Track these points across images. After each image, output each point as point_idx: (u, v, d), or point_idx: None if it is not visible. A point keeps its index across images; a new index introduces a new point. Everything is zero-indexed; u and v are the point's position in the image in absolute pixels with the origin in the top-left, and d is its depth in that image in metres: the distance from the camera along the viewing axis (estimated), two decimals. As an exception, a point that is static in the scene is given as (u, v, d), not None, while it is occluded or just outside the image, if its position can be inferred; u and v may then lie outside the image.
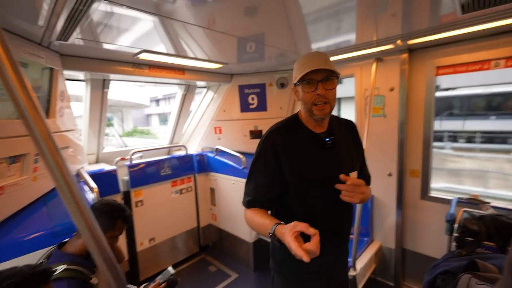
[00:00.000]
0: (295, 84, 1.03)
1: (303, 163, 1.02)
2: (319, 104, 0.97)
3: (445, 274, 1.21)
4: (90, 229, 0.49)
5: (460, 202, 1.81)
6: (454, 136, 12.24)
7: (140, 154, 2.87)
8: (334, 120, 1.13)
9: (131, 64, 2.10)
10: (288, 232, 0.79)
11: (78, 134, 2.08)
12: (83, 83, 2.32)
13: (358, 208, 2.03)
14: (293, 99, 3.01)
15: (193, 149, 3.40)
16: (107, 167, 2.36)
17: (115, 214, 1.27)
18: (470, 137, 11.75)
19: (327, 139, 1.03)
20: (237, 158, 2.75)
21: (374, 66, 2.19)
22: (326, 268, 1.11)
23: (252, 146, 3.11)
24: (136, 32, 1.51)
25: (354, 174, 1.07)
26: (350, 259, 2.01)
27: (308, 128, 1.06)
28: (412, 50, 2.15)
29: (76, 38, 1.45)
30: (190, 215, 3.06)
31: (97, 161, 2.72)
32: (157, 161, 2.70)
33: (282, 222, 0.89)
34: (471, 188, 7.58)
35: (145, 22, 1.38)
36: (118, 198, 2.32)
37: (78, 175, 1.92)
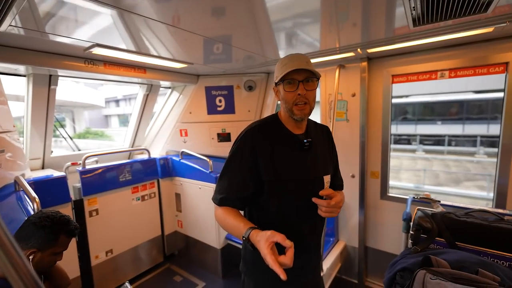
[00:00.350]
0: (276, 84, 1.04)
1: (281, 162, 1.01)
2: (300, 104, 0.98)
3: (403, 271, 1.27)
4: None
5: (415, 201, 1.94)
6: (408, 139, 13.49)
7: (95, 158, 2.62)
8: (311, 124, 1.15)
9: (83, 59, 1.90)
10: (264, 242, 0.77)
11: (17, 136, 1.82)
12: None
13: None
14: (262, 102, 3.01)
15: (157, 152, 3.21)
16: (55, 173, 2.10)
17: (57, 228, 1.14)
18: (421, 140, 13.05)
19: (305, 141, 1.04)
20: (204, 162, 2.65)
21: (337, 72, 2.29)
22: (299, 271, 1.09)
23: (220, 149, 3.04)
24: (91, 25, 1.36)
25: (328, 178, 1.10)
26: (316, 261, 2.04)
27: (287, 129, 1.07)
28: (371, 59, 2.29)
29: (10, 26, 1.25)
30: (154, 222, 2.88)
31: (43, 167, 2.42)
32: (115, 166, 2.48)
33: (256, 227, 0.86)
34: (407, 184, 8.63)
35: (102, 14, 1.25)
36: (68, 208, 2.08)
37: (17, 183, 1.67)
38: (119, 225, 2.51)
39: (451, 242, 1.38)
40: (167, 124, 3.19)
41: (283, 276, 0.70)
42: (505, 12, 1.35)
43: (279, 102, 1.07)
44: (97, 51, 1.68)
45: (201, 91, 2.95)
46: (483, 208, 1.60)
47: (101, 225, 2.36)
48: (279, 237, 0.77)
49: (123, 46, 1.74)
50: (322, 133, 1.18)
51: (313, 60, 2.28)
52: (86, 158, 2.31)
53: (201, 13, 1.31)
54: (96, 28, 1.41)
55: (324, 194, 0.97)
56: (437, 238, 1.42)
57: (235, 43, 1.81)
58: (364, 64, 2.26)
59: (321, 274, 2.02)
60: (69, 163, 2.42)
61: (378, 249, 2.48)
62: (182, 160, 2.86)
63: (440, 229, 1.42)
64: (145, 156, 2.90)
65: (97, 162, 2.66)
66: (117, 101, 20.00)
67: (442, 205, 1.78)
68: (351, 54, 2.09)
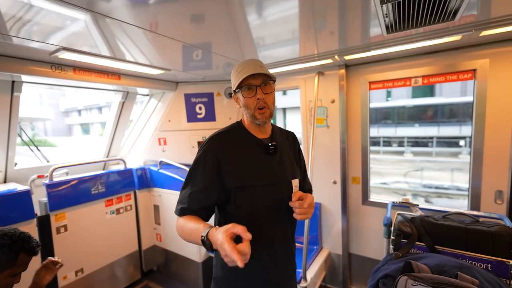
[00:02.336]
0: (235, 92, 1.03)
1: (246, 168, 0.99)
2: (260, 108, 0.99)
3: (386, 277, 1.24)
4: None
5: (395, 206, 1.95)
6: (388, 141, 14.03)
7: (65, 170, 2.45)
8: (276, 129, 1.15)
9: (50, 64, 1.78)
10: (223, 233, 0.73)
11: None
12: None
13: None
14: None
15: (134, 163, 3.06)
16: (19, 187, 1.93)
17: (16, 246, 1.05)
18: (400, 142, 13.58)
19: (270, 144, 1.03)
20: (184, 171, 2.55)
21: (316, 79, 2.31)
22: (272, 284, 1.04)
23: (201, 158, 2.94)
24: (60, 28, 1.27)
25: (296, 182, 1.08)
26: (300, 270, 1.99)
27: (251, 134, 1.06)
28: (349, 66, 2.34)
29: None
30: (130, 237, 2.71)
31: (5, 180, 2.22)
32: (86, 178, 2.33)
33: (217, 226, 0.82)
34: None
35: (73, 17, 1.17)
36: (32, 225, 1.90)
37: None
38: (91, 242, 2.34)
39: (430, 246, 1.38)
40: (145, 133, 3.07)
41: (240, 262, 0.66)
42: (470, 21, 1.41)
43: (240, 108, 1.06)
44: (64, 55, 1.58)
45: (180, 99, 2.87)
46: (459, 211, 1.63)
47: (70, 242, 2.18)
48: (240, 228, 0.74)
49: (95, 51, 1.65)
50: (288, 138, 1.18)
51: (292, 67, 2.29)
52: (54, 170, 2.14)
53: (180, 19, 1.29)
54: (65, 31, 1.33)
55: (296, 197, 0.95)
56: (417, 243, 1.42)
57: (215, 50, 1.78)
58: (342, 71, 2.30)
59: (305, 284, 1.97)
60: (34, 176, 2.24)
61: (362, 255, 2.46)
62: (160, 170, 2.74)
63: (419, 233, 1.42)
64: (121, 167, 2.76)
65: (67, 174, 2.48)
66: (79, 111, 21.46)
67: (421, 208, 1.80)
68: (329, 60, 2.12)
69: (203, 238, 0.81)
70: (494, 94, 1.82)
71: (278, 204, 1.00)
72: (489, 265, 1.25)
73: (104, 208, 2.46)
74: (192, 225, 0.90)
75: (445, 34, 1.60)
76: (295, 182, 1.07)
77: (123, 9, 1.13)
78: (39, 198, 2.11)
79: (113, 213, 2.53)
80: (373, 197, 2.40)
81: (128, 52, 1.75)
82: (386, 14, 1.28)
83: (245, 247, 0.70)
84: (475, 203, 1.94)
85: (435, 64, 2.00)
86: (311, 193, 1.24)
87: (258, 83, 0.97)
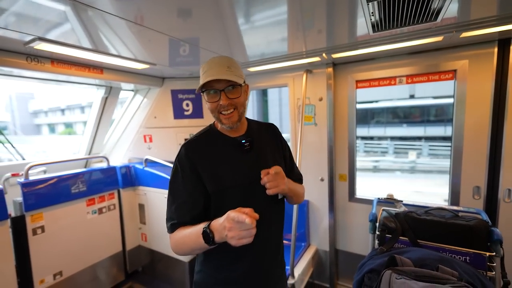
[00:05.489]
0: (200, 93, 0.96)
1: (221, 170, 0.95)
2: (225, 113, 0.92)
3: (371, 272, 1.27)
4: None
5: (380, 202, 2.00)
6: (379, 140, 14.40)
7: (42, 168, 2.33)
8: (253, 124, 1.10)
9: (25, 55, 1.68)
10: (229, 213, 0.76)
11: None
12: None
13: (294, 214, 2.06)
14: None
15: (118, 160, 2.97)
16: (-9, 186, 1.82)
17: None
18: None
19: (244, 141, 0.99)
20: (170, 169, 2.49)
21: (304, 77, 2.32)
22: (263, 279, 1.02)
23: (188, 155, 2.89)
24: (36, 16, 1.20)
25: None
26: (288, 267, 2.00)
27: (224, 134, 1.01)
28: (336, 64, 2.36)
29: None
30: (113, 237, 2.62)
31: (-24, 180, 2.09)
32: (66, 176, 2.22)
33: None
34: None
35: (51, 6, 1.10)
36: (5, 227, 1.80)
37: None
38: (71, 243, 2.24)
39: (413, 241, 1.41)
40: (130, 130, 2.98)
41: (249, 219, 0.70)
42: (451, 22, 1.46)
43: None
44: (40, 46, 1.49)
45: (167, 95, 2.81)
46: (440, 206, 1.68)
47: (48, 244, 2.08)
48: (246, 210, 0.75)
49: (75, 42, 1.57)
50: (267, 131, 1.13)
51: (280, 64, 2.29)
52: (30, 168, 2.03)
53: (166, 12, 1.25)
54: (42, 20, 1.25)
55: (264, 174, 0.91)
56: (401, 237, 1.45)
57: (203, 45, 1.75)
58: (330, 69, 2.32)
59: (293, 281, 1.98)
60: (8, 174, 2.11)
61: (348, 251, 2.51)
62: (146, 168, 2.67)
63: (403, 228, 1.46)
64: (104, 165, 2.66)
65: (45, 172, 2.37)
66: (45, 112, 23.31)
67: (405, 204, 1.85)
68: (317, 58, 2.13)
69: (205, 229, 0.80)
70: (473, 94, 1.89)
71: (260, 202, 0.95)
72: (468, 258, 1.30)
73: (86, 208, 2.36)
74: (190, 230, 0.87)
75: (428, 35, 1.64)
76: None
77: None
78: (14, 197, 1.99)
79: (95, 212, 2.44)
80: (359, 194, 2.45)
81: (111, 45, 1.68)
82: (372, 13, 1.30)
83: (248, 209, 0.74)
84: (455, 198, 2.02)
85: (418, 64, 2.06)
86: (301, 183, 1.22)
87: (222, 87, 0.89)
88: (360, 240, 2.43)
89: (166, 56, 1.99)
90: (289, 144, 2.58)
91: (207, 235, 0.79)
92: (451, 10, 1.29)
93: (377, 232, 1.55)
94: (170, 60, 2.11)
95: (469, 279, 1.10)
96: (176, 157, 0.98)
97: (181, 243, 0.90)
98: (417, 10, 1.28)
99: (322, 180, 2.47)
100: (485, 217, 1.52)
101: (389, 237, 1.49)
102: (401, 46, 1.84)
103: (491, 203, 1.89)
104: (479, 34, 1.64)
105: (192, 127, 2.86)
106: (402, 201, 1.88)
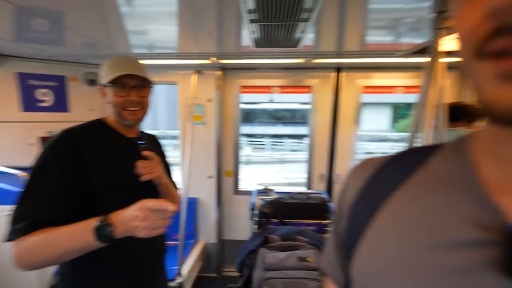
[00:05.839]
0: (103, 85, 0.91)
1: (112, 167, 0.89)
2: (132, 109, 0.92)
3: (250, 253, 1.50)
4: None
5: (259, 192, 2.34)
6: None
7: None
8: (142, 131, 1.11)
9: None
10: (142, 203, 0.69)
11: None
12: None
13: (183, 213, 2.08)
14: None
15: None
16: None
17: None
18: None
19: (139, 142, 0.98)
20: (14, 177, 1.90)
21: (194, 77, 2.37)
22: None
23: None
24: None
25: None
26: (176, 267, 2.00)
27: (118, 132, 0.97)
28: (225, 69, 2.55)
29: None
30: None
31: None
32: None
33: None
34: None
35: None
36: None
37: None
38: None
39: (281, 221, 1.77)
40: None
41: (173, 207, 0.69)
42: (308, 50, 1.91)
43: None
44: None
45: (9, 79, 2.12)
46: (300, 191, 2.17)
47: None
48: (156, 201, 0.70)
49: None
50: (153, 140, 1.17)
51: (170, 61, 2.23)
52: None
53: None
54: None
55: (146, 155, 0.95)
56: (272, 220, 1.79)
57: (69, 25, 1.45)
58: (219, 72, 2.48)
59: (181, 279, 2.01)
60: None
61: (234, 239, 2.77)
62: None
63: (274, 212, 1.80)
64: None
65: None
66: None
67: (276, 192, 2.26)
68: (206, 61, 2.23)
69: (102, 222, 0.68)
70: (321, 104, 2.54)
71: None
72: (315, 227, 1.78)
73: None
74: (64, 229, 0.71)
75: (294, 56, 2.07)
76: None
77: None
78: None
79: None
80: (242, 187, 2.75)
81: None
82: (253, 31, 1.52)
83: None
84: (310, 184, 2.65)
85: (289, 78, 2.55)
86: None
87: (135, 84, 0.90)
88: (244, 228, 2.73)
89: (8, 25, 1.50)
90: (178, 142, 2.57)
91: (104, 229, 0.68)
92: (306, 41, 1.70)
93: (256, 219, 1.83)
94: (17, 34, 1.62)
95: (315, 243, 1.52)
96: (54, 141, 0.81)
97: (43, 247, 0.71)
98: (286, 36, 1.60)
99: (210, 177, 2.60)
100: (326, 196, 2.09)
101: (264, 221, 1.79)
102: (277, 62, 2.22)
103: (330, 185, 2.62)
104: (324, 62, 2.23)
105: (52, 123, 2.30)
106: (273, 190, 2.29)
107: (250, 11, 1.24)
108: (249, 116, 16.30)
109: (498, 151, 0.28)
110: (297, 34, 1.57)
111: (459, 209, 0.29)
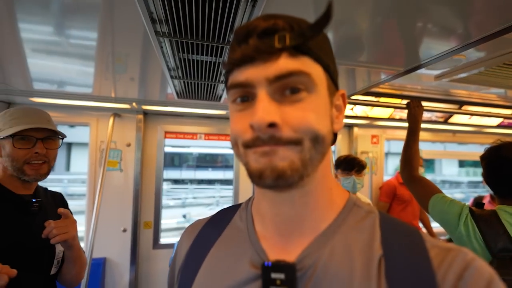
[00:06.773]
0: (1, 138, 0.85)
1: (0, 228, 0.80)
2: (35, 162, 0.86)
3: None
4: None
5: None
6: (190, 181, 15.34)
7: None
8: (41, 188, 1.02)
9: None
10: None
11: None
12: None
13: (84, 280, 1.72)
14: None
15: None
16: None
17: None
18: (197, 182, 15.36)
19: (34, 200, 0.89)
20: None
21: (111, 120, 2.21)
22: None
23: None
24: None
25: (60, 247, 0.95)
26: None
27: (8, 189, 0.87)
28: (147, 113, 2.48)
29: None
30: None
31: None
32: None
33: None
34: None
35: None
36: None
37: None
38: None
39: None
40: None
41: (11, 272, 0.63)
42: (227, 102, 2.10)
43: None
44: None
45: None
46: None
47: None
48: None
49: None
50: (54, 200, 1.05)
51: (84, 103, 2.05)
52: None
53: None
54: None
55: (61, 212, 0.86)
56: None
57: None
58: (141, 116, 2.37)
59: None
60: None
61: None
62: None
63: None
64: None
65: None
66: None
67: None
68: (127, 106, 2.14)
69: None
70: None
71: (39, 272, 0.84)
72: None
73: None
74: None
75: (217, 108, 2.23)
76: (60, 247, 0.92)
77: None
78: None
79: None
80: (163, 240, 2.51)
81: None
82: (174, 85, 1.60)
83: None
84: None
85: (213, 126, 2.66)
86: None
87: (42, 136, 0.87)
88: (164, 286, 2.42)
89: None
90: (86, 190, 2.22)
91: None
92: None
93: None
94: None
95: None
96: None
97: None
98: (207, 93, 1.74)
99: (124, 231, 2.29)
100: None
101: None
102: (200, 112, 2.33)
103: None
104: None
105: None
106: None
107: (169, 69, 1.32)
108: (174, 160, 15.57)
109: (259, 208, 0.43)
110: (219, 92, 1.73)
111: (246, 255, 0.39)
